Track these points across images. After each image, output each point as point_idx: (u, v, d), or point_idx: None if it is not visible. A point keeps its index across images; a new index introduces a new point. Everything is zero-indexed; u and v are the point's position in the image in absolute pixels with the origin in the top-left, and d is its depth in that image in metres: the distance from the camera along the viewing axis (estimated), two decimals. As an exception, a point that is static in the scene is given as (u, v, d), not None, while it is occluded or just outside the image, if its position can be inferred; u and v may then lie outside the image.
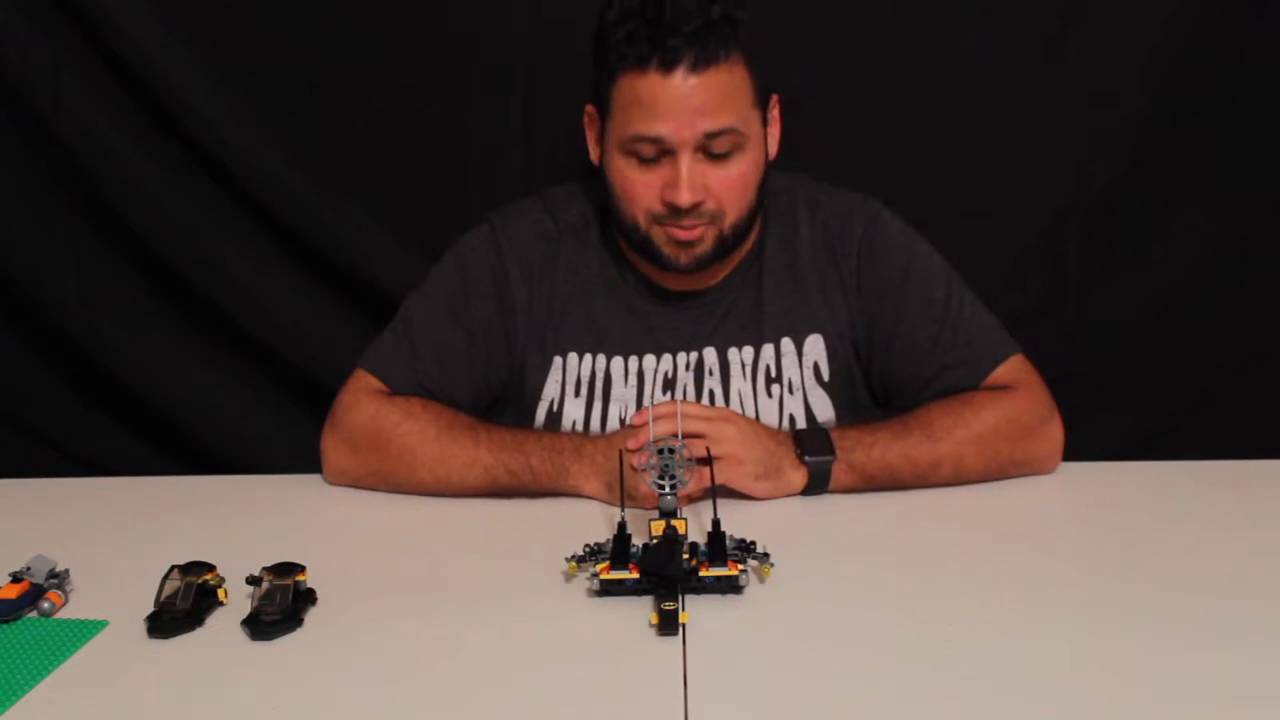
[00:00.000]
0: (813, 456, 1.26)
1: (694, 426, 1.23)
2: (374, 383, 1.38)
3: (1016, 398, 1.34)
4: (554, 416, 1.40)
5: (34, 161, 1.75)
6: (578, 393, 1.40)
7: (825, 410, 1.40)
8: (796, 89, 1.66)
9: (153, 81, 1.69)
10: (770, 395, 1.39)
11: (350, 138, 1.75)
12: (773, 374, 1.39)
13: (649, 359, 1.40)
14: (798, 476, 1.26)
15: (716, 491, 1.12)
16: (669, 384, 1.40)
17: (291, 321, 1.79)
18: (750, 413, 1.38)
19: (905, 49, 1.69)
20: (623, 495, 1.12)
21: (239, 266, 1.77)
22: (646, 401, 1.39)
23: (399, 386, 1.37)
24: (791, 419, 1.39)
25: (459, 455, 1.29)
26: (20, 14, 1.68)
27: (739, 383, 1.39)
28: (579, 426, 1.39)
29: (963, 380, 1.36)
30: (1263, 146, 1.73)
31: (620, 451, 1.19)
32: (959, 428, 1.29)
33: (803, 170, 1.47)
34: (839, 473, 1.26)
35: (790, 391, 1.39)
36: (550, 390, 1.40)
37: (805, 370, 1.39)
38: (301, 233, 1.76)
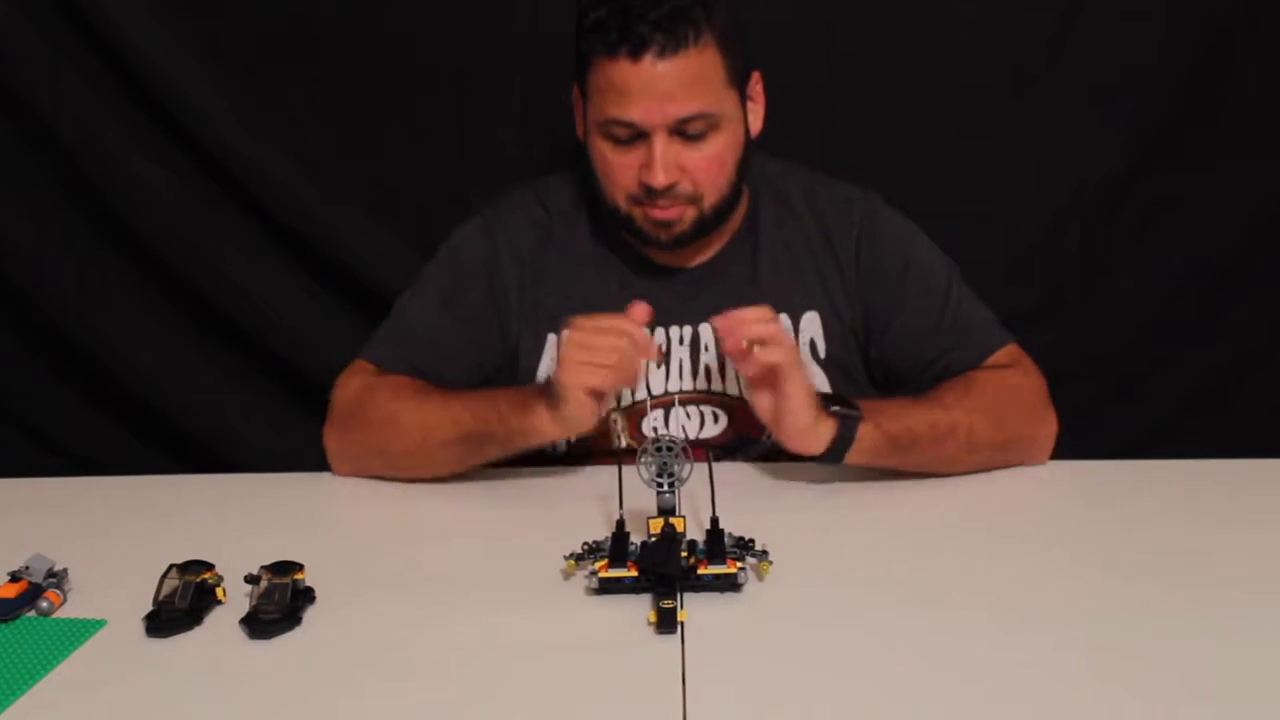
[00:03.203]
0: (842, 409, 1.24)
1: (757, 331, 1.20)
2: (368, 368, 1.41)
3: (1019, 375, 1.37)
4: None
5: (33, 161, 1.75)
6: None
7: (823, 387, 1.40)
8: (796, 88, 1.67)
9: (153, 81, 1.69)
10: None
11: (350, 138, 1.75)
12: None
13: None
14: (825, 428, 1.23)
15: (715, 491, 1.12)
16: (663, 358, 1.41)
17: (291, 321, 1.79)
18: (746, 387, 1.39)
19: (905, 49, 1.69)
20: (621, 495, 1.11)
21: (239, 266, 1.77)
22: (641, 377, 1.40)
23: (390, 368, 1.40)
24: None
25: (433, 413, 1.30)
26: (20, 14, 1.68)
27: None
28: None
29: (961, 362, 1.38)
30: (1262, 147, 1.73)
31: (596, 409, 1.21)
32: (970, 396, 1.31)
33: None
34: (864, 432, 1.23)
35: None
36: (545, 366, 1.42)
37: (802, 347, 1.40)
38: (301, 233, 1.76)
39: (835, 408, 1.24)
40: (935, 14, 1.67)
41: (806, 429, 1.22)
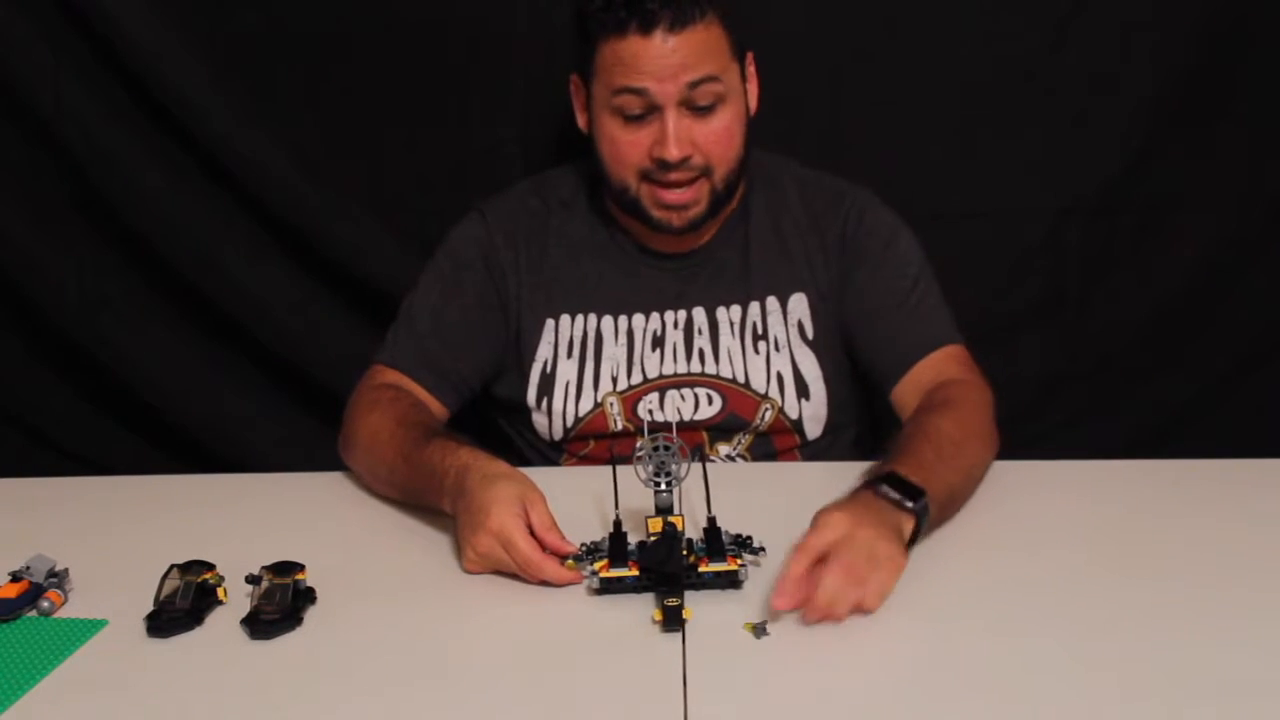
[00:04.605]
0: (913, 501, 1.10)
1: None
2: (384, 375, 1.42)
3: (984, 392, 1.34)
4: (547, 378, 1.44)
5: (33, 161, 1.75)
6: (570, 353, 1.44)
7: (811, 368, 1.42)
8: (800, 89, 1.67)
9: (153, 82, 1.69)
10: (757, 352, 1.43)
11: (350, 138, 1.75)
12: (759, 331, 1.43)
13: (638, 318, 1.44)
14: (908, 525, 1.09)
15: (710, 488, 1.12)
16: (658, 342, 1.44)
17: (291, 321, 1.79)
18: (739, 370, 1.42)
19: (905, 49, 1.69)
20: (616, 496, 1.11)
21: (239, 266, 1.77)
22: (637, 360, 1.43)
23: (408, 369, 1.41)
24: (779, 375, 1.42)
25: (382, 467, 1.29)
26: (20, 14, 1.68)
27: (727, 340, 1.43)
28: (572, 386, 1.43)
29: (915, 348, 1.38)
30: (1263, 147, 1.73)
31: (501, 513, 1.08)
32: (972, 429, 1.27)
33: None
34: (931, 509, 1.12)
35: (776, 349, 1.43)
36: (544, 352, 1.44)
37: (790, 328, 1.43)
38: (301, 233, 1.76)
39: (910, 503, 1.10)
40: (936, 15, 1.67)
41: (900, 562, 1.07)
